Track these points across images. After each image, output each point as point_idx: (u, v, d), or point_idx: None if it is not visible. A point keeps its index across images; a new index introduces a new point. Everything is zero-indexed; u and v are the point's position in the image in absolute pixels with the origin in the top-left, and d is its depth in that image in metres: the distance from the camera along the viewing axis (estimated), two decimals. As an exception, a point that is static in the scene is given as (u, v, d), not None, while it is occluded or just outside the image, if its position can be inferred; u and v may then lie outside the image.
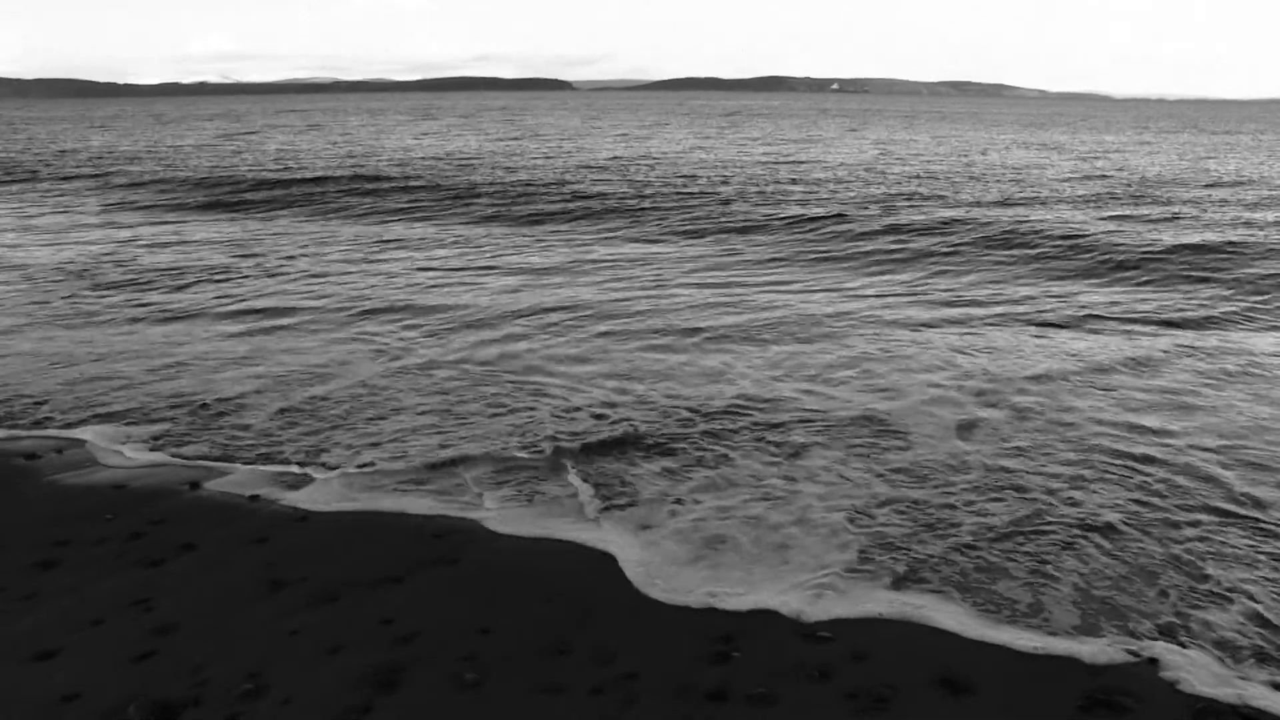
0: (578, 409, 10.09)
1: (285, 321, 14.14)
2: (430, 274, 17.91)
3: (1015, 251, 20.02)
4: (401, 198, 29.53)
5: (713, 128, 76.16)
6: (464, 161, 41.11)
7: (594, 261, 19.04)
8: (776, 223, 23.71)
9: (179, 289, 16.57)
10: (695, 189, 30.47)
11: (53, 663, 5.47)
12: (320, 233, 23.29)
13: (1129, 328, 13.85)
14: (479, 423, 9.71)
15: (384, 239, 22.25)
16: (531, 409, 10.10)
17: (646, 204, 26.97)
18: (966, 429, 9.55)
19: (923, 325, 13.90)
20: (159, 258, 19.73)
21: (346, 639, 5.73)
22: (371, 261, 19.24)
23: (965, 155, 47.46)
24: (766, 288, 16.65)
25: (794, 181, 33.30)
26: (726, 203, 27.19)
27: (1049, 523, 7.55)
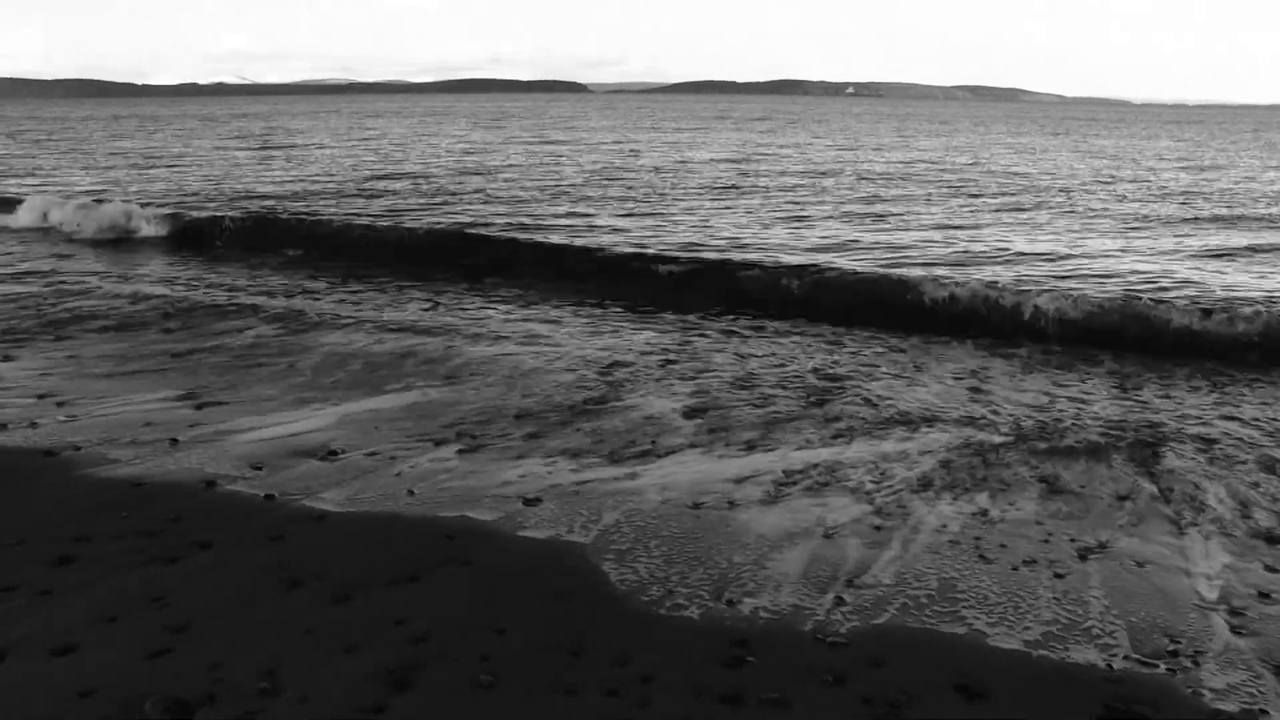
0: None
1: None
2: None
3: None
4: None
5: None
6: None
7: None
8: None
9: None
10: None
11: (69, 658, 5.48)
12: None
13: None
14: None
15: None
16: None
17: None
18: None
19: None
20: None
21: (361, 638, 5.73)
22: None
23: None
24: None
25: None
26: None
27: (1064, 532, 7.55)
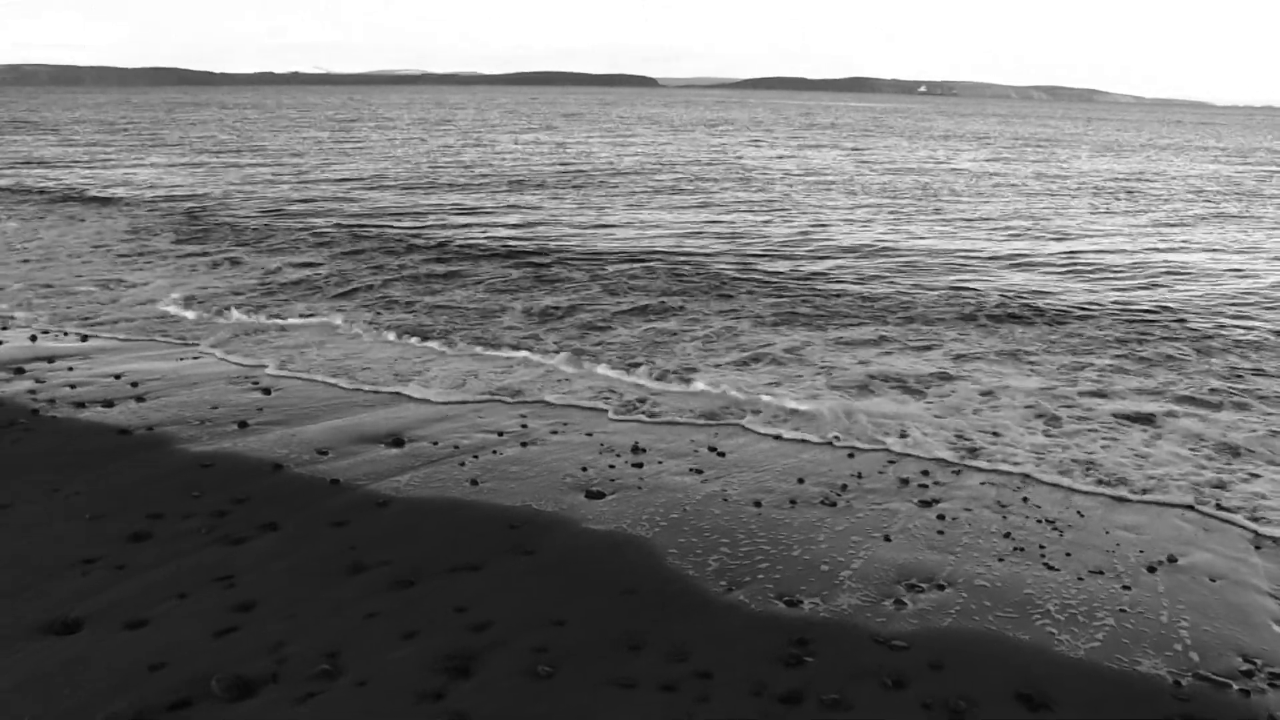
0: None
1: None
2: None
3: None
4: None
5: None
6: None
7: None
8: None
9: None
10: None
11: (141, 632, 5.62)
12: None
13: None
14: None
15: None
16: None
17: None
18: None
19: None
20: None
21: (422, 624, 5.79)
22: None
23: None
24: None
25: None
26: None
27: (1132, 548, 7.40)
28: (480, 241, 20.70)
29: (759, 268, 18.52)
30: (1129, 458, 9.14)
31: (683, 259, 19.19)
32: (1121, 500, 8.18)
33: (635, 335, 13.39)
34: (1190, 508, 8.03)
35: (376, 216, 24.25)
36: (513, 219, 24.14)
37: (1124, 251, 21.38)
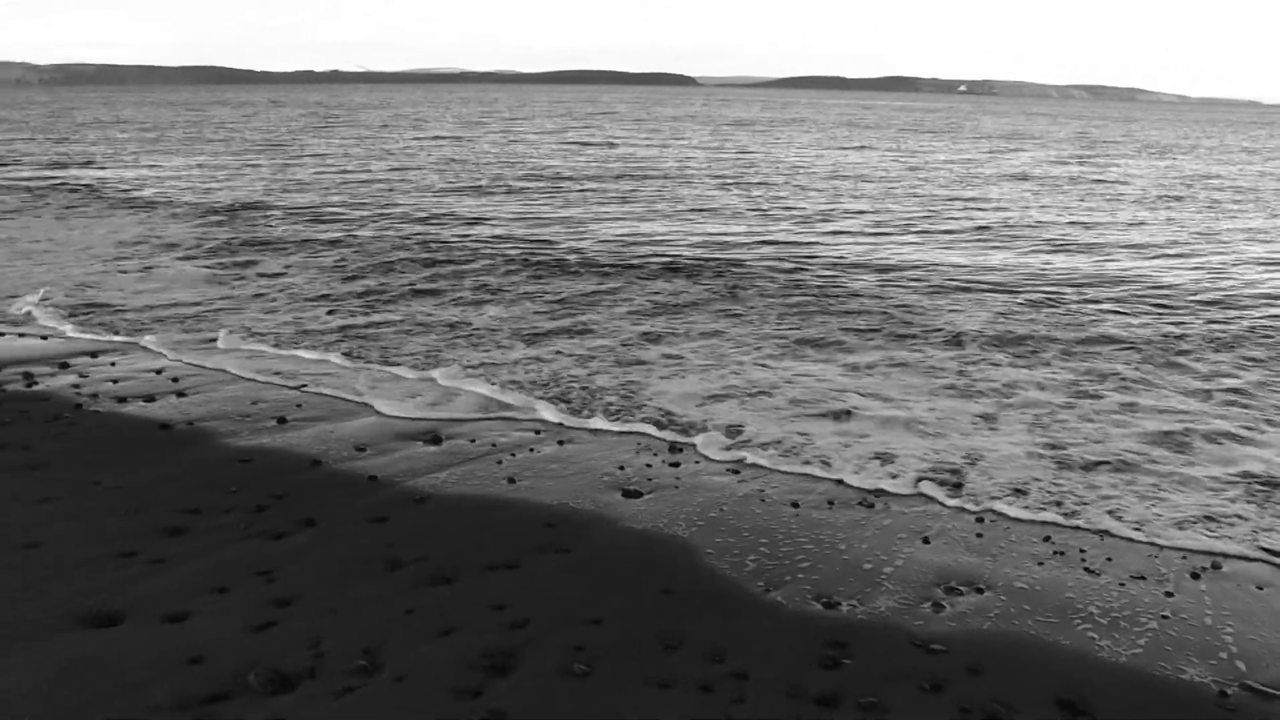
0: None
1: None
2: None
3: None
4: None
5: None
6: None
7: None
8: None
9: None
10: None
11: (181, 626, 5.67)
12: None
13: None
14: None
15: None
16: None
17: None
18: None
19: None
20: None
21: (459, 621, 5.80)
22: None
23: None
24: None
25: None
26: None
27: (1175, 553, 7.28)
28: (505, 249, 20.37)
29: (780, 277, 18.08)
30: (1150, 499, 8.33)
31: (698, 263, 18.95)
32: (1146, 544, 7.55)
33: (617, 356, 13.16)
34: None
35: (409, 222, 24.16)
36: (543, 226, 23.96)
37: (1172, 261, 20.96)
